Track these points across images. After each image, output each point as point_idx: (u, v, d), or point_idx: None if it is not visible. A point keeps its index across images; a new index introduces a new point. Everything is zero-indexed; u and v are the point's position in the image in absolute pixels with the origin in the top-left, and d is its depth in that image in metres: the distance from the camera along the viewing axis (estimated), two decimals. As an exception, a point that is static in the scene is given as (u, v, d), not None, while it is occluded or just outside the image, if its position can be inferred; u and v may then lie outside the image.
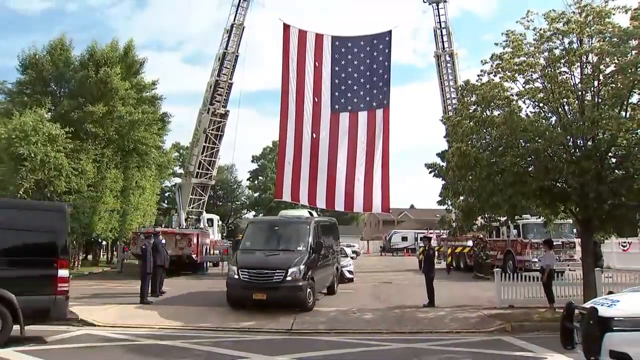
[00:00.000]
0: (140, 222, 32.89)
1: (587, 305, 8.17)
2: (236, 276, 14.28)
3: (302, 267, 14.20)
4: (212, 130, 36.68)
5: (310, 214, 18.27)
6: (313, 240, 15.32)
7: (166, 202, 62.69)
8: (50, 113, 27.54)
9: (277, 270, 13.99)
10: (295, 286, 13.89)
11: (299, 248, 15.14)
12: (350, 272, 23.52)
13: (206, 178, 38.10)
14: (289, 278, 13.88)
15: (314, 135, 18.48)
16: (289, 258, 14.46)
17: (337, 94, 19.08)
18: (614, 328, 7.08)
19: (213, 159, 38.10)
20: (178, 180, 45.94)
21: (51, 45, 30.66)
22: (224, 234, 50.29)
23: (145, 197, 34.05)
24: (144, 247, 17.23)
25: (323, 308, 15.13)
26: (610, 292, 12.54)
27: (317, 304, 15.92)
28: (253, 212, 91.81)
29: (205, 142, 36.74)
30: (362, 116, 18.21)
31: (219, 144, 37.64)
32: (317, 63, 19.32)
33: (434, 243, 24.52)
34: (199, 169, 37.36)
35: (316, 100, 18.83)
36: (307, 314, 13.96)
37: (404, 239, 61.49)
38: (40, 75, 29.99)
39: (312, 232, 15.57)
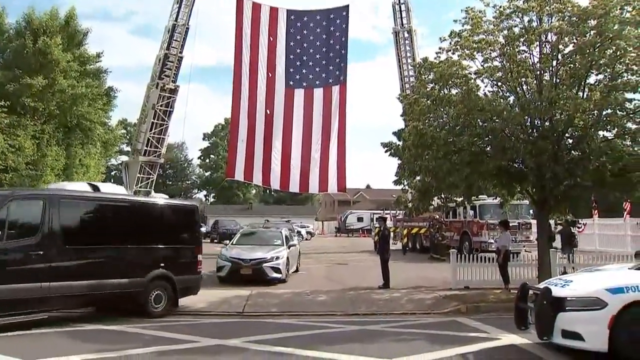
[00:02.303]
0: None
1: (541, 285, 8.27)
2: None
3: None
4: (161, 106, 35.54)
5: (95, 187, 12.24)
6: None
7: (112, 181, 60.67)
8: (-18, 85, 25.87)
9: None
10: None
11: None
12: (275, 269, 16.08)
13: (155, 156, 37.09)
14: None
15: (268, 112, 17.88)
16: None
17: (291, 69, 18.51)
18: (567, 308, 7.19)
19: (162, 136, 37.08)
20: (125, 158, 44.76)
21: (-18, 11, 28.73)
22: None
23: (90, 176, 32.75)
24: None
25: (276, 290, 14.76)
26: (564, 273, 12.71)
27: (270, 286, 15.55)
28: (204, 192, 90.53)
29: (154, 119, 35.64)
30: (318, 93, 17.71)
31: (169, 120, 36.62)
32: (271, 37, 18.65)
33: (389, 224, 24.47)
34: (147, 146, 36.27)
35: (270, 75, 18.20)
36: (259, 296, 13.51)
37: (360, 219, 61.34)
38: (-30, 43, 28.12)
39: None
